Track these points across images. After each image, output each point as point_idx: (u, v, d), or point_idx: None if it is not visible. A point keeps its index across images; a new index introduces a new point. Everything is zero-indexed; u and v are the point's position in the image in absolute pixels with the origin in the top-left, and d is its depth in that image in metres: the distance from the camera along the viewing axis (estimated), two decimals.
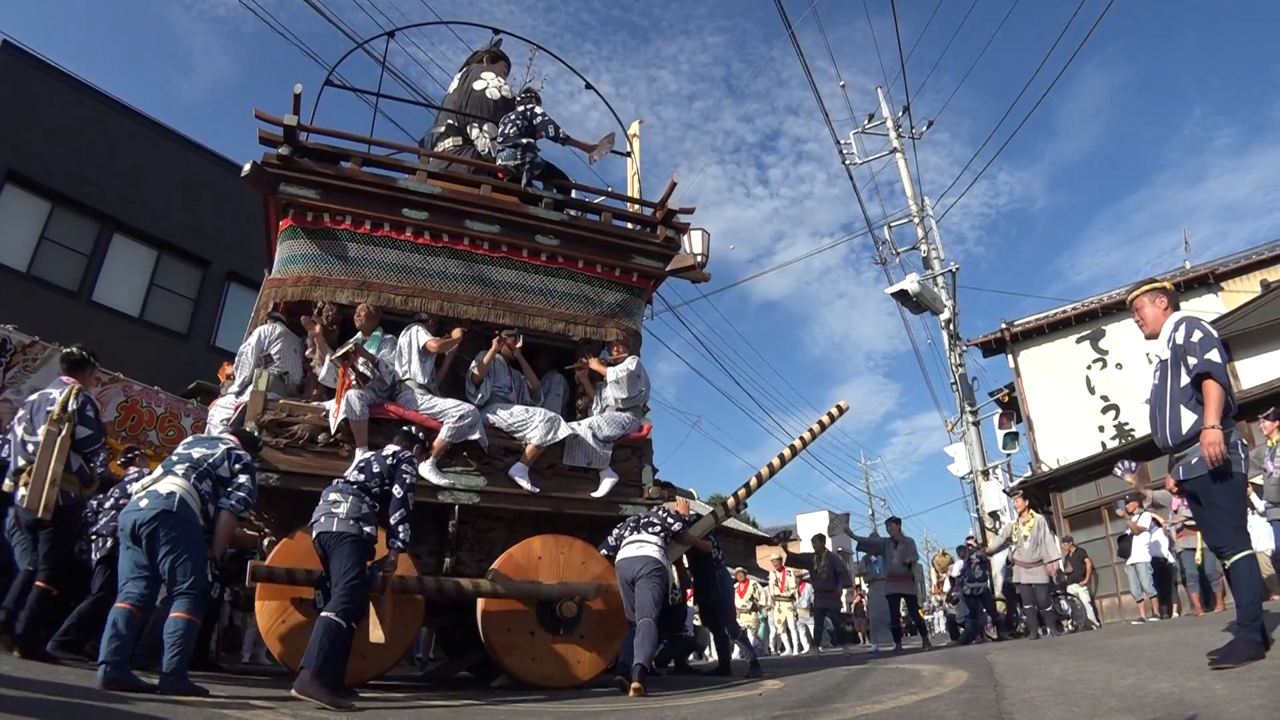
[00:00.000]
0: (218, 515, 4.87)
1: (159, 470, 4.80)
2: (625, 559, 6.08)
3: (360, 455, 5.33)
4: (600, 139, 8.60)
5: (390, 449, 5.30)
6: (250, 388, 6.33)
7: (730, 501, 7.90)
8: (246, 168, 6.59)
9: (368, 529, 4.90)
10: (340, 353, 6.09)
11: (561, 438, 6.73)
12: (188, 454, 4.86)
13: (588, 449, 6.85)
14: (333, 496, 4.94)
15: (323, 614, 4.56)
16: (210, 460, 4.85)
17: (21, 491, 5.56)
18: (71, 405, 5.66)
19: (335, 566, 4.73)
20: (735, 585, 16.72)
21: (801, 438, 8.19)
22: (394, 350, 6.62)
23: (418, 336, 6.58)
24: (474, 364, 6.88)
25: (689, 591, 9.59)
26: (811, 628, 16.71)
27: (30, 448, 5.65)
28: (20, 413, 5.95)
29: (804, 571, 14.81)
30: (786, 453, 7.98)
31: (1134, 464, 11.60)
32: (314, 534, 4.86)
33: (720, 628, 8.66)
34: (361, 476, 5.07)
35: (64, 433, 5.54)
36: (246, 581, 5.52)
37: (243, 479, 4.95)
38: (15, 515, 5.71)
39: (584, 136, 8.65)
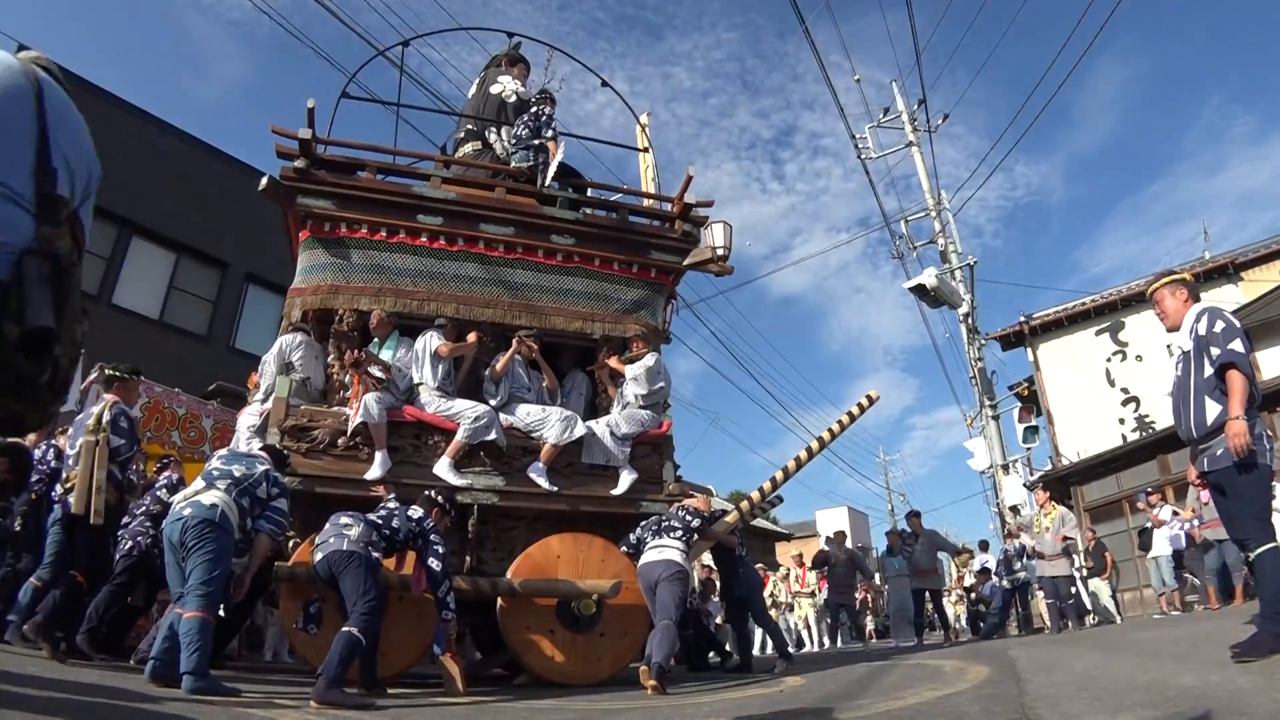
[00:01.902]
0: (257, 537, 5.06)
1: (200, 483, 4.91)
2: (647, 563, 6.07)
3: (388, 504, 5.42)
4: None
5: (417, 512, 5.39)
6: (274, 395, 6.45)
7: (755, 496, 7.88)
8: (263, 182, 6.71)
9: (375, 554, 5.03)
10: (352, 359, 6.20)
11: (578, 436, 6.76)
12: (228, 470, 5.00)
13: (606, 446, 6.86)
14: (344, 520, 5.04)
15: (344, 629, 4.66)
16: (250, 480, 5.01)
17: (60, 494, 6.02)
18: (105, 418, 6.00)
19: (350, 586, 4.82)
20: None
21: (831, 429, 8.15)
22: (411, 353, 6.67)
23: (430, 342, 6.63)
24: (491, 364, 6.91)
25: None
26: (827, 623, 16.64)
27: (71, 460, 6.08)
28: (70, 430, 6.40)
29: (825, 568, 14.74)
30: (815, 445, 7.95)
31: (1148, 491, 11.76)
32: (319, 555, 4.93)
33: (743, 624, 8.65)
34: (379, 520, 5.18)
35: (100, 442, 5.87)
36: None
37: (280, 502, 5.15)
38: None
39: (599, 134, 8.70)
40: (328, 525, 5.08)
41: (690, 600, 5.98)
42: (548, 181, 7.50)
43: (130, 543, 6.29)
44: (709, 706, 4.59)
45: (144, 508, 6.52)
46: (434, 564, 5.28)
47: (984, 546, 14.99)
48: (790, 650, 8.23)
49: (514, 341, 6.91)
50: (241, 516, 4.87)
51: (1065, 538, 10.96)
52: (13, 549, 6.80)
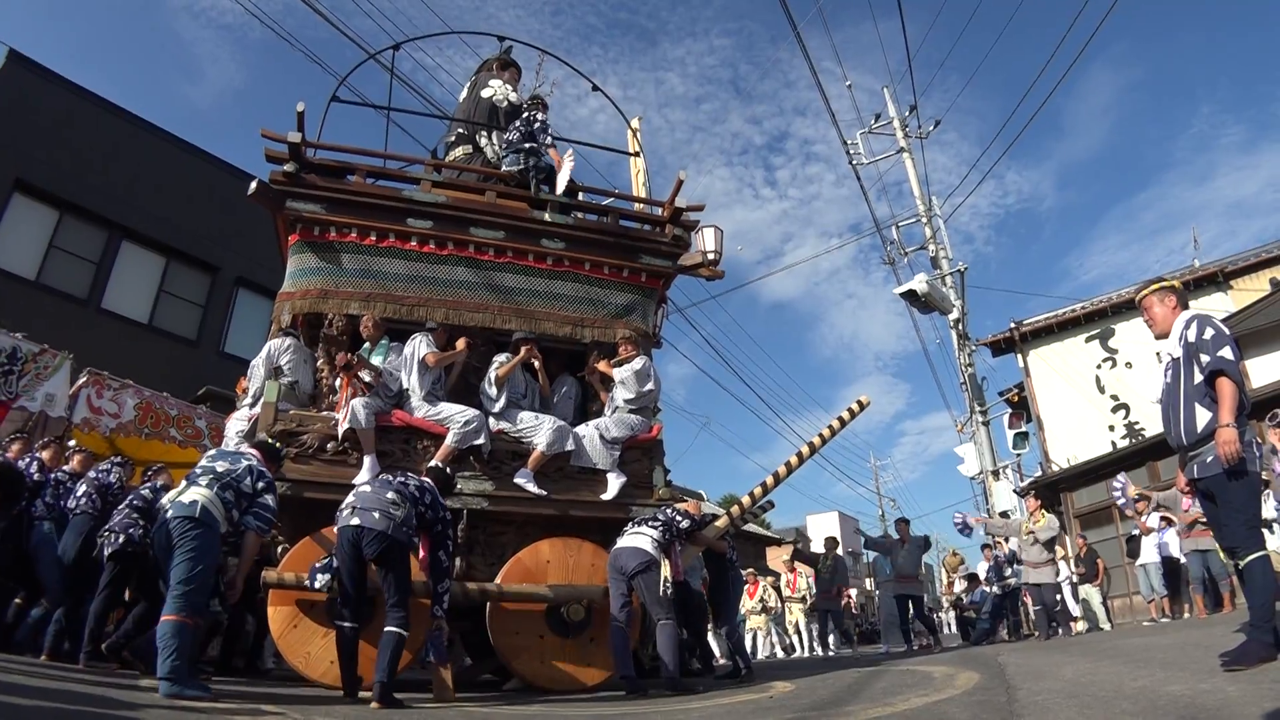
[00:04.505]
0: (245, 535, 4.96)
1: (183, 483, 4.85)
2: (617, 548, 6.08)
3: (424, 479, 5.41)
4: (563, 157, 7.93)
5: (438, 492, 5.41)
6: (262, 399, 6.41)
7: (746, 501, 7.86)
8: (252, 186, 6.69)
9: (415, 540, 5.08)
10: (343, 364, 6.17)
11: (569, 449, 6.73)
12: (211, 466, 4.93)
13: (595, 450, 6.84)
14: (391, 495, 5.00)
15: (390, 629, 4.79)
16: (233, 474, 4.90)
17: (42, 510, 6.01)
18: None
19: (396, 579, 4.88)
20: (746, 587, 16.73)
21: (822, 434, 8.14)
22: (400, 358, 6.64)
23: (420, 347, 6.60)
24: (497, 367, 6.86)
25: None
26: (816, 629, 16.63)
27: None
28: None
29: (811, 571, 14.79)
30: (806, 450, 7.94)
31: (1124, 478, 11.66)
32: (355, 520, 4.88)
33: (734, 631, 8.62)
34: (417, 493, 5.16)
35: None
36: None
37: (266, 498, 5.03)
38: None
39: (592, 139, 8.72)
40: (369, 489, 5.08)
41: (664, 588, 5.96)
42: (559, 190, 7.50)
43: (122, 537, 6.21)
44: (699, 712, 4.57)
45: (127, 504, 6.46)
46: (443, 557, 5.28)
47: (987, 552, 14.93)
48: (779, 656, 8.19)
49: (522, 349, 6.88)
50: (227, 510, 4.77)
51: (1043, 543, 10.94)
52: None
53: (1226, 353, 4.07)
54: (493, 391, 6.83)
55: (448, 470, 5.78)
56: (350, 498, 5.10)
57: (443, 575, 5.28)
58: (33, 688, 4.22)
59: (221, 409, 10.78)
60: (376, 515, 4.85)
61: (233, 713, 4.05)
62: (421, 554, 5.37)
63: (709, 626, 10.81)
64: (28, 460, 7.04)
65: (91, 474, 6.99)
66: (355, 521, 4.86)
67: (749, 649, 15.50)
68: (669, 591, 6.01)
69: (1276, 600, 3.94)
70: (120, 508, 6.45)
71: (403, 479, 5.26)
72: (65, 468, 7.23)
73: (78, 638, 6.28)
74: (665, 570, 6.00)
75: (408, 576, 4.97)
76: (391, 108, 8.35)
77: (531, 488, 6.53)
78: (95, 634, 6.10)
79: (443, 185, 7.38)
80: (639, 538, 6.06)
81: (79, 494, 6.77)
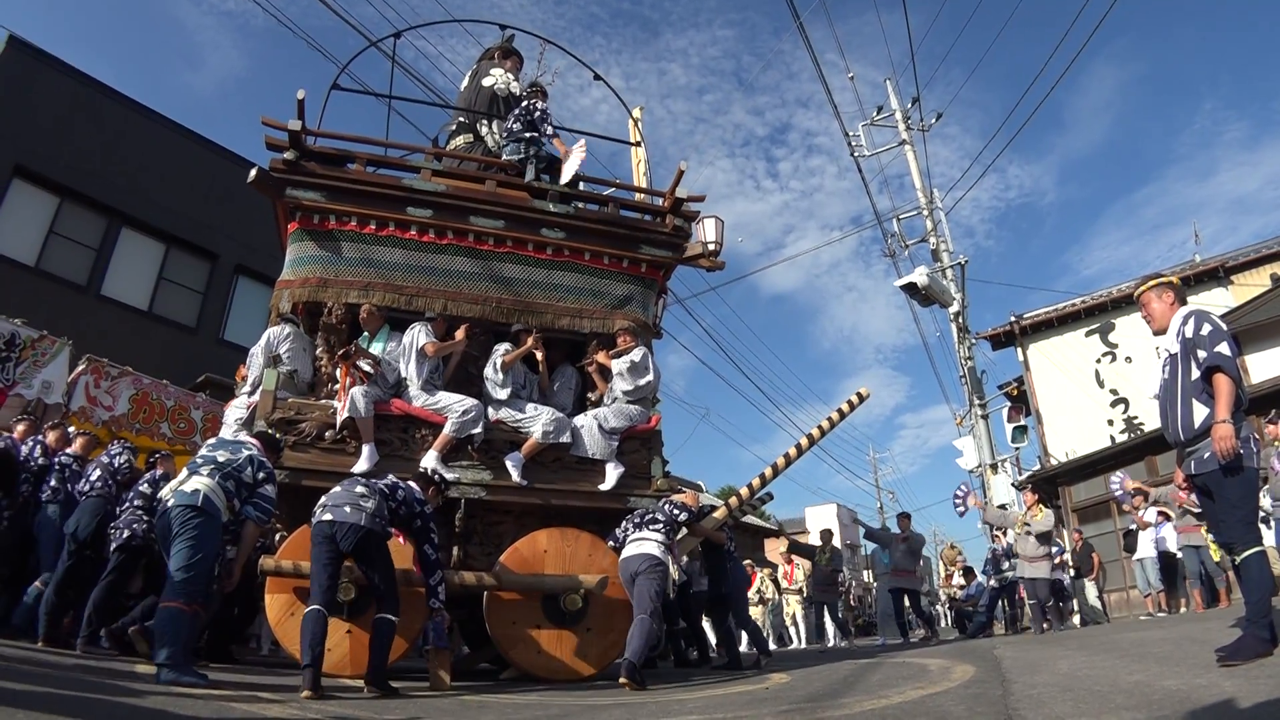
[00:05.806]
0: (244, 524, 5.01)
1: (184, 472, 4.86)
2: (625, 557, 6.04)
3: (393, 478, 5.40)
4: (573, 148, 7.91)
5: (417, 490, 5.39)
6: (261, 387, 6.41)
7: (744, 492, 7.86)
8: (252, 173, 6.69)
9: (389, 530, 5.08)
10: (341, 352, 6.18)
11: (565, 442, 6.73)
12: (212, 456, 4.95)
13: (594, 440, 6.84)
14: (360, 489, 5.01)
15: (383, 616, 4.85)
16: (234, 464, 4.93)
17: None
18: None
19: (378, 566, 4.93)
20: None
21: (821, 426, 8.15)
22: (400, 347, 6.64)
23: (419, 337, 6.59)
24: (502, 355, 6.83)
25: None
26: (813, 620, 16.65)
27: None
28: None
29: (808, 563, 14.79)
30: (805, 441, 7.94)
31: (1121, 475, 11.67)
32: (328, 515, 4.86)
33: (724, 621, 8.62)
34: (387, 490, 5.16)
35: None
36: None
37: (266, 488, 5.07)
38: None
39: (593, 128, 8.69)
40: (339, 488, 5.06)
41: (670, 590, 5.96)
42: (564, 180, 7.48)
43: (127, 532, 6.28)
44: (693, 703, 4.57)
45: (130, 502, 6.50)
46: (429, 551, 5.30)
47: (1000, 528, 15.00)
48: (771, 648, 8.22)
49: (529, 339, 6.88)
50: (228, 499, 4.79)
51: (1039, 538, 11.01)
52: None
53: (1224, 348, 4.06)
54: (499, 378, 6.79)
55: (435, 475, 5.84)
56: (322, 499, 5.09)
57: (433, 568, 5.30)
58: (28, 672, 4.23)
59: (221, 396, 10.78)
60: (348, 509, 4.86)
61: (229, 699, 4.05)
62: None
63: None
64: (31, 444, 7.05)
65: (104, 458, 7.01)
66: (328, 517, 4.85)
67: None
68: (672, 593, 6.02)
69: (1273, 595, 3.94)
70: (125, 506, 6.49)
71: (373, 479, 5.30)
72: (69, 449, 7.24)
73: (77, 619, 6.34)
74: (673, 573, 6.01)
75: (390, 565, 4.98)
76: (393, 96, 8.34)
77: (515, 474, 6.51)
78: (93, 619, 6.15)
79: (443, 174, 7.35)
80: (646, 544, 6.01)
81: (93, 478, 6.80)
